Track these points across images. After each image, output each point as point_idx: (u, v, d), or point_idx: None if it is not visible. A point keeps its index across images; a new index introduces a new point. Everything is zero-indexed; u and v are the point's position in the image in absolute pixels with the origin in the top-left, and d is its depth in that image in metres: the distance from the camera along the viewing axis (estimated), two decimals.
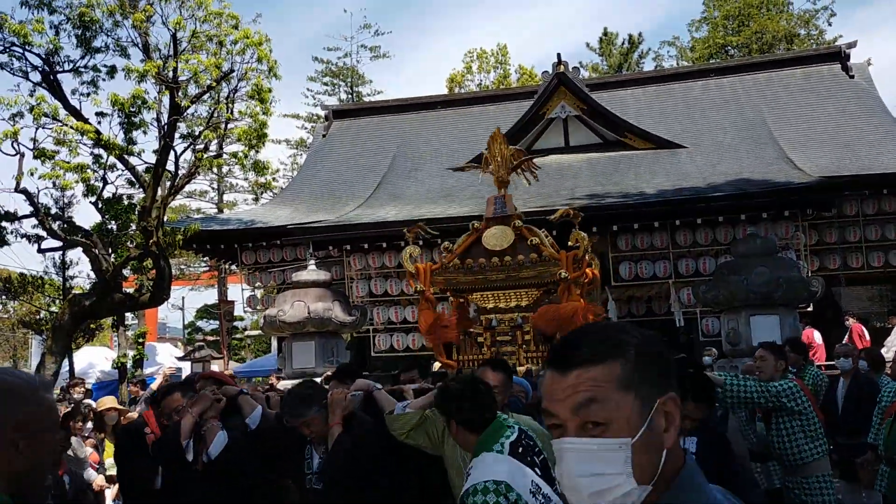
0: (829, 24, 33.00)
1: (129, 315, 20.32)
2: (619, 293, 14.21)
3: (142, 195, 12.31)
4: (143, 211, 11.62)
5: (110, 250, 12.29)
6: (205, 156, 12.26)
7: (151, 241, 11.45)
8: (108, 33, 11.88)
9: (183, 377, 9.33)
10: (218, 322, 25.13)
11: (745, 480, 3.89)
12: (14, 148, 11.41)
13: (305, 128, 35.29)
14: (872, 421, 6.12)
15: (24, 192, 11.54)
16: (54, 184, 11.57)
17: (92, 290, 12.45)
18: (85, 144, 11.55)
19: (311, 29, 71.81)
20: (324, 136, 20.95)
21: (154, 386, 10.05)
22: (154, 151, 11.97)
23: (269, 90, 11.95)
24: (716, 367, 9.75)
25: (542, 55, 69.17)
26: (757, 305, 9.63)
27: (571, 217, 6.04)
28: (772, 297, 9.52)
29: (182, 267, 31.08)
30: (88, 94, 11.85)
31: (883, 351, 9.79)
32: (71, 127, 11.27)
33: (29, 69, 11.45)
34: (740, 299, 9.71)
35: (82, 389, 10.61)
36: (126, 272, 13.34)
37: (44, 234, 12.04)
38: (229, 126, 12.36)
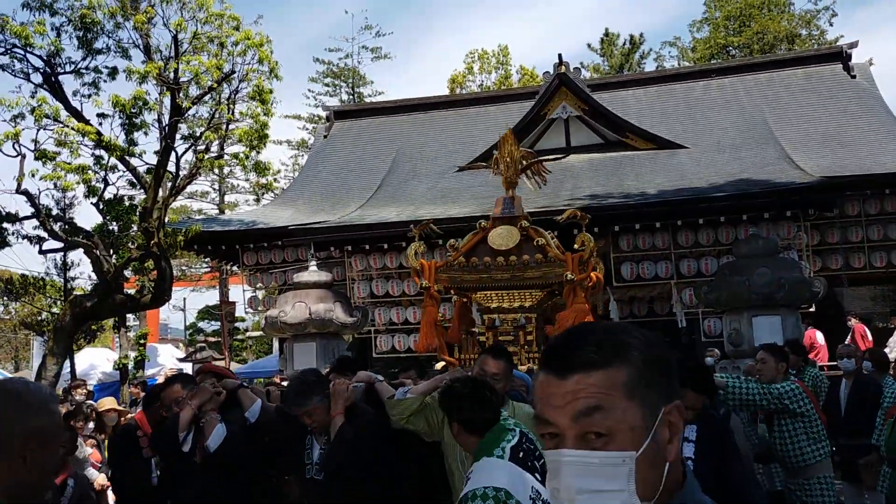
0: (831, 25, 32.99)
1: (130, 316, 20.31)
2: (620, 294, 14.19)
3: (143, 196, 12.31)
4: (144, 212, 11.63)
5: (111, 251, 12.29)
6: (206, 157, 12.27)
7: (153, 242, 11.45)
8: (110, 35, 11.89)
9: None
10: (219, 323, 25.14)
11: (746, 475, 3.88)
12: (15, 149, 11.42)
13: (307, 128, 35.31)
14: (876, 422, 6.11)
15: (26, 193, 11.55)
16: (55, 185, 11.58)
17: (93, 292, 12.45)
18: (86, 146, 11.57)
19: (313, 30, 71.89)
20: (325, 136, 20.95)
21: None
22: (155, 152, 11.98)
23: (270, 91, 11.96)
24: (718, 368, 9.73)
25: (544, 56, 69.21)
26: (759, 306, 9.61)
27: (579, 219, 6.03)
28: (774, 298, 9.50)
29: (183, 268, 31.08)
30: (90, 96, 11.87)
31: (886, 351, 9.77)
32: (72, 128, 11.27)
33: (30, 71, 11.47)
34: (742, 300, 9.70)
35: (84, 391, 10.61)
36: (127, 273, 13.34)
37: (45, 235, 12.05)
38: (230, 127, 12.37)
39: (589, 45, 37.40)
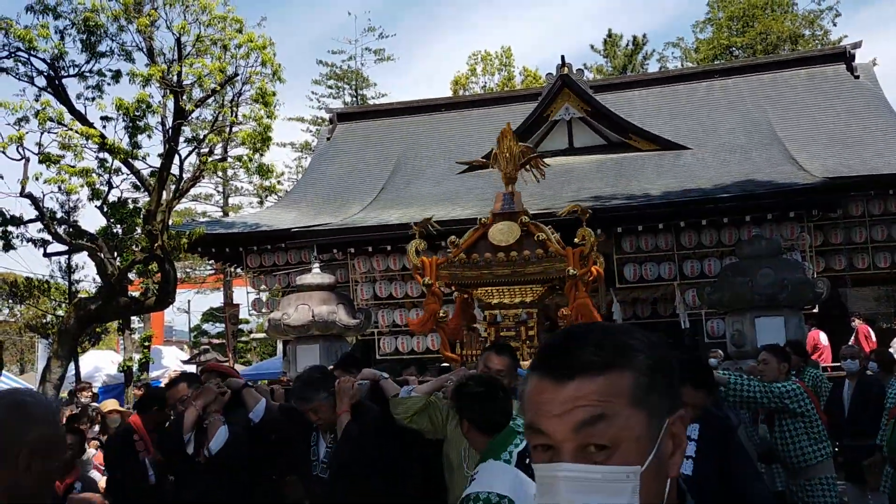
0: (834, 25, 32.92)
1: (135, 318, 20.35)
2: (623, 295, 14.19)
3: (147, 199, 12.35)
4: (148, 215, 11.66)
5: (116, 254, 12.32)
6: (209, 159, 12.30)
7: (156, 244, 11.48)
8: (113, 38, 11.91)
9: None
10: (223, 325, 25.17)
11: (750, 473, 3.86)
12: (19, 152, 11.45)
13: (310, 131, 35.38)
14: (881, 423, 6.10)
15: (30, 196, 11.58)
16: (59, 188, 11.61)
17: (97, 294, 12.48)
18: (90, 149, 11.60)
19: (315, 32, 72.04)
20: (328, 139, 20.99)
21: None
22: (159, 155, 12.01)
23: (274, 94, 11.98)
24: (721, 368, 9.72)
25: (547, 57, 69.25)
26: (762, 307, 9.60)
27: (579, 213, 6.03)
28: (777, 299, 9.49)
29: (188, 270, 31.15)
30: (93, 99, 11.89)
31: (892, 351, 9.75)
32: (76, 131, 11.30)
33: (34, 74, 11.50)
34: (745, 301, 9.69)
35: (90, 393, 10.65)
36: (131, 276, 13.36)
37: (49, 238, 12.08)
38: (233, 130, 12.40)
39: (592, 46, 37.44)
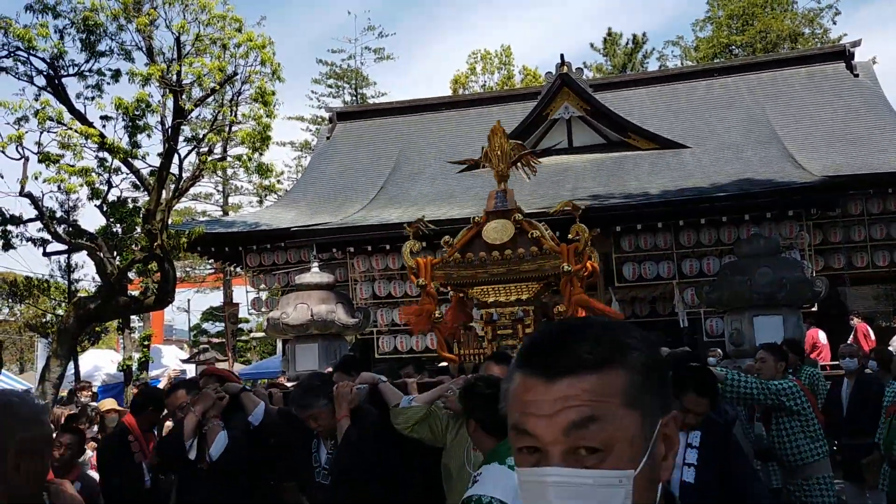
0: (834, 23, 32.94)
1: (134, 318, 20.36)
2: (622, 294, 14.19)
3: (146, 198, 12.35)
4: (147, 214, 11.66)
5: (115, 253, 12.32)
6: (209, 159, 12.30)
7: (156, 244, 11.48)
8: (113, 37, 11.91)
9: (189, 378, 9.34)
10: (223, 324, 25.18)
11: (750, 478, 3.87)
12: (19, 152, 11.44)
13: (310, 130, 35.37)
14: (880, 421, 6.10)
15: (29, 195, 11.59)
16: (59, 187, 11.60)
17: (97, 294, 12.48)
18: (89, 148, 11.60)
19: (315, 31, 72.01)
20: (328, 138, 20.99)
21: (159, 387, 10.08)
22: (158, 155, 12.01)
23: (273, 93, 11.97)
24: (719, 367, 9.72)
25: (547, 56, 69.22)
26: (760, 306, 9.60)
27: (572, 210, 6.03)
28: (775, 298, 9.49)
29: (187, 269, 31.15)
30: (93, 98, 11.89)
31: (891, 350, 9.76)
32: (75, 131, 11.30)
33: (33, 73, 11.49)
34: (744, 300, 9.69)
35: (89, 393, 10.66)
36: (131, 275, 13.37)
37: (49, 237, 12.08)
38: (233, 129, 12.40)
39: (592, 45, 37.44)
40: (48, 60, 11.38)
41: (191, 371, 16.61)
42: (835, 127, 16.37)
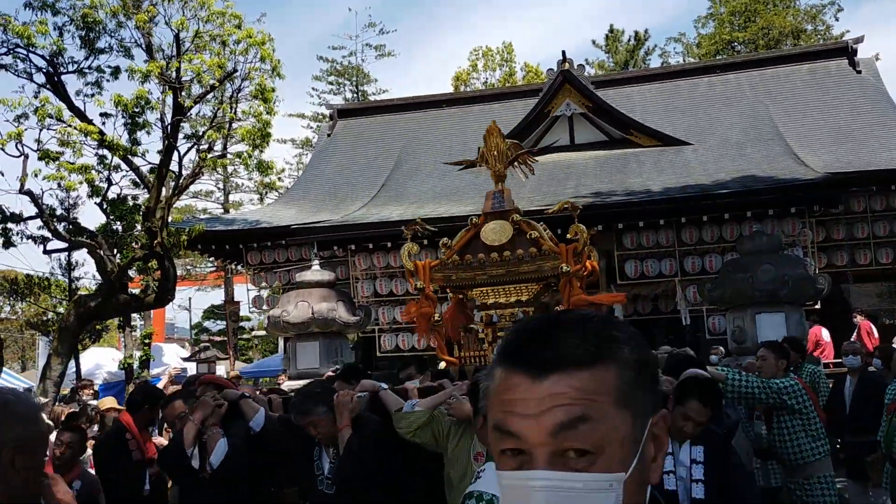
0: (836, 20, 32.83)
1: (136, 315, 20.36)
2: (624, 291, 14.13)
3: (146, 196, 12.33)
4: (147, 211, 11.65)
5: (115, 251, 12.32)
6: (209, 156, 12.28)
7: (156, 241, 11.47)
8: (112, 34, 11.92)
9: (188, 377, 9.32)
10: (225, 322, 25.16)
11: (745, 487, 3.84)
12: (18, 149, 11.46)
13: (311, 127, 35.32)
14: (882, 419, 6.07)
15: (29, 193, 11.59)
16: (59, 185, 11.61)
17: (97, 291, 12.49)
18: (89, 145, 11.60)
19: (316, 28, 71.96)
20: (328, 135, 20.93)
21: (159, 386, 10.05)
22: (158, 152, 12.01)
23: (273, 90, 11.96)
24: (722, 365, 9.68)
25: (548, 53, 69.15)
26: (763, 303, 9.55)
27: (570, 210, 5.98)
28: (778, 295, 9.44)
29: (188, 267, 31.15)
30: (92, 95, 11.90)
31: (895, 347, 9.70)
32: (75, 128, 11.30)
33: (33, 71, 11.50)
34: (746, 297, 9.64)
35: (91, 391, 10.63)
36: (131, 273, 13.37)
37: (49, 235, 12.08)
38: (233, 126, 12.38)
39: (594, 42, 37.38)
40: (48, 58, 11.38)
41: (192, 369, 16.59)
42: (837, 123, 16.30)
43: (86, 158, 11.67)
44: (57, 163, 11.46)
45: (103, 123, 11.67)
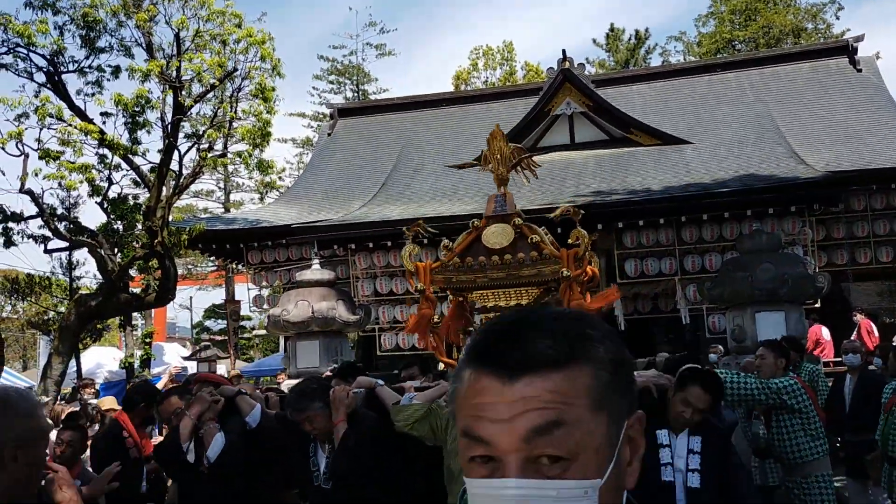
0: (837, 18, 32.79)
1: (137, 315, 20.38)
2: (624, 290, 14.11)
3: (147, 195, 12.35)
4: (148, 211, 11.66)
5: (116, 250, 12.33)
6: (209, 155, 12.29)
7: (156, 240, 11.48)
8: (112, 33, 11.92)
9: (188, 376, 9.34)
10: (225, 321, 25.19)
11: (744, 487, 3.85)
12: (19, 148, 11.46)
13: (311, 126, 35.34)
14: (880, 417, 6.08)
15: (29, 192, 11.59)
16: (59, 184, 11.61)
17: (98, 291, 12.50)
18: (89, 145, 11.61)
19: (317, 27, 71.92)
20: (329, 134, 20.94)
21: (159, 385, 10.07)
22: (158, 151, 12.01)
23: (273, 89, 11.96)
24: (721, 364, 9.69)
25: (549, 52, 69.09)
26: (762, 302, 9.55)
27: (571, 214, 5.98)
28: (777, 294, 9.44)
29: (189, 267, 31.17)
30: (93, 95, 11.89)
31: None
32: (75, 127, 11.31)
33: (33, 70, 11.50)
34: (745, 296, 9.64)
35: (93, 390, 10.65)
36: (132, 272, 13.38)
37: (50, 234, 12.09)
38: (233, 125, 12.39)
39: (594, 41, 37.39)
40: (48, 57, 11.38)
41: (192, 368, 16.61)
42: (837, 122, 16.30)
43: (86, 158, 11.70)
44: (57, 162, 11.47)
45: (104, 123, 11.68)
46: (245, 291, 18.90)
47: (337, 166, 19.17)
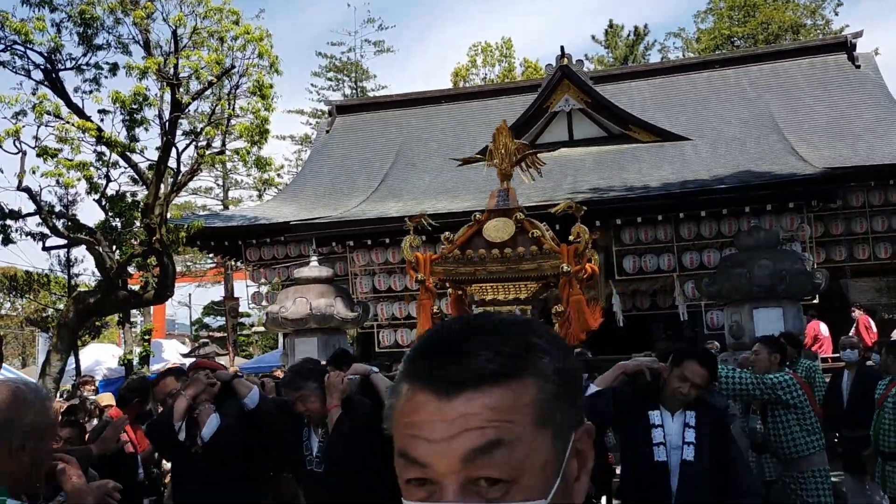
0: (836, 14, 32.78)
1: (136, 312, 20.39)
2: (623, 287, 14.16)
3: (145, 192, 12.33)
4: (146, 208, 11.65)
5: (114, 248, 12.32)
6: (207, 152, 12.26)
7: (155, 238, 11.47)
8: (110, 31, 11.89)
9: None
10: (224, 318, 25.19)
11: (744, 466, 3.86)
12: (16, 146, 11.43)
13: (309, 123, 35.30)
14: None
15: (27, 190, 11.57)
16: (57, 182, 11.59)
17: (97, 288, 12.49)
18: (87, 142, 11.57)
19: (315, 24, 71.81)
20: (327, 131, 20.93)
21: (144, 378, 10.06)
22: (156, 149, 11.99)
23: (271, 86, 11.93)
24: (718, 360, 9.70)
25: (548, 48, 69.05)
26: (760, 298, 9.57)
27: (574, 211, 6.00)
28: (775, 290, 9.46)
29: (188, 264, 31.17)
30: (90, 92, 11.86)
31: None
32: (73, 125, 11.28)
33: (31, 67, 11.47)
34: (744, 292, 9.66)
35: (92, 387, 10.67)
36: (130, 269, 13.37)
37: (48, 232, 12.08)
38: (231, 122, 12.37)
39: (593, 37, 37.32)
40: (45, 54, 11.35)
41: None
42: (836, 118, 16.30)
43: (84, 155, 11.65)
44: (55, 160, 11.43)
45: (101, 120, 11.65)
46: (244, 288, 18.91)
47: (335, 163, 19.16)
